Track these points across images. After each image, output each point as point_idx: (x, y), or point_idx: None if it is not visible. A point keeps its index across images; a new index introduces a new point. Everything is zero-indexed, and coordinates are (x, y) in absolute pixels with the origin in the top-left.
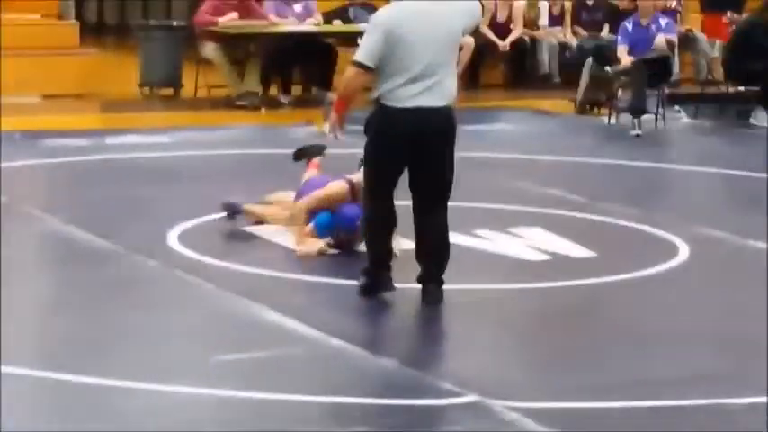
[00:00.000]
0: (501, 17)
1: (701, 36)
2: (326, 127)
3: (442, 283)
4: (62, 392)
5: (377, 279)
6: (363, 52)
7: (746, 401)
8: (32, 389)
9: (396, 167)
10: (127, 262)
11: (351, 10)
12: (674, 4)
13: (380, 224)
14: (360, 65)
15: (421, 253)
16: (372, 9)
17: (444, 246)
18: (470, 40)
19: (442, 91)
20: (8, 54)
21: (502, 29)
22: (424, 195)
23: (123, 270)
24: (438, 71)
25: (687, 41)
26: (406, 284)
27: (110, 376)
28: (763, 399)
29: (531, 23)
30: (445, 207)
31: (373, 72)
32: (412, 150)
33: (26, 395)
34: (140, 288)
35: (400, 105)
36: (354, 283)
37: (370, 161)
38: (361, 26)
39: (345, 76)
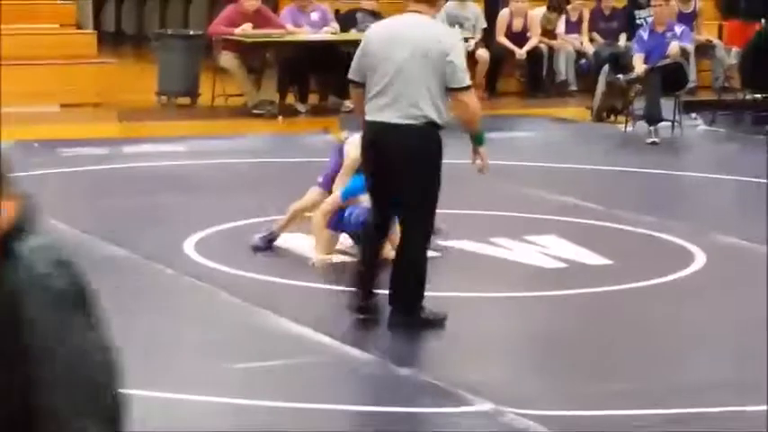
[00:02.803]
0: (517, 26)
1: (719, 43)
2: (344, 135)
3: (401, 310)
4: None
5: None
6: (351, 66)
7: (764, 409)
8: None
9: (371, 178)
10: (144, 270)
11: (358, 15)
12: (690, 9)
13: (370, 233)
14: (349, 80)
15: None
16: (379, 16)
17: (400, 273)
18: (485, 54)
19: (401, 108)
20: (27, 63)
21: (518, 37)
22: (392, 213)
23: (140, 279)
24: (403, 89)
25: (704, 49)
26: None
27: (126, 385)
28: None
29: (547, 32)
30: (412, 228)
31: (362, 86)
32: (374, 164)
33: None
34: (157, 296)
35: (368, 118)
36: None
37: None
38: None
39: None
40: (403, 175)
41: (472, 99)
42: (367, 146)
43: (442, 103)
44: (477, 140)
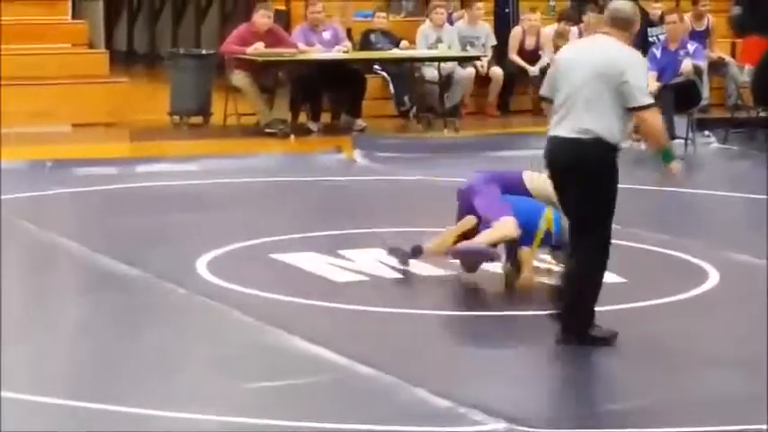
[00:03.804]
0: (529, 44)
1: (731, 61)
2: (356, 155)
3: (562, 320)
4: (92, 421)
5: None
6: (543, 84)
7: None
8: (62, 418)
9: (558, 193)
10: (156, 289)
11: (372, 36)
12: (703, 27)
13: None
14: (540, 96)
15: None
16: (393, 38)
17: (568, 285)
18: (499, 72)
19: (571, 125)
20: (39, 83)
21: (531, 55)
22: (571, 227)
23: (152, 297)
24: (575, 107)
25: (717, 66)
26: (435, 311)
27: (139, 404)
28: None
29: (560, 49)
30: (586, 244)
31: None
32: (553, 178)
33: (55, 424)
34: (169, 316)
35: (549, 133)
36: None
37: None
38: (391, 52)
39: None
40: (575, 189)
41: (652, 117)
42: (546, 160)
43: (618, 123)
44: (665, 157)
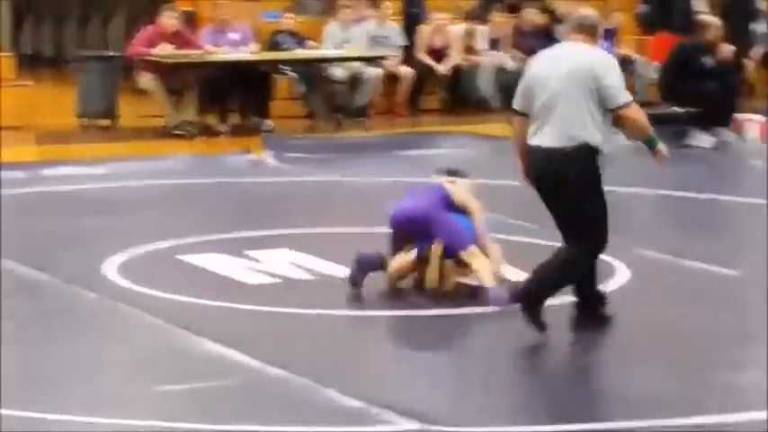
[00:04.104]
0: (437, 43)
1: (638, 58)
2: (265, 155)
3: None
4: (2, 426)
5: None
6: (515, 96)
7: (691, 422)
8: None
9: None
10: (65, 294)
11: (279, 37)
12: (611, 26)
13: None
14: (512, 109)
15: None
16: (300, 38)
17: (541, 276)
18: (408, 72)
19: (554, 132)
20: None
21: (439, 54)
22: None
23: (61, 302)
24: (557, 115)
25: (624, 64)
26: (346, 312)
27: (49, 409)
28: (707, 419)
29: (469, 48)
30: (582, 246)
31: (524, 115)
32: (538, 187)
33: None
34: (79, 320)
35: (530, 143)
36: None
37: None
38: (297, 52)
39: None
40: (561, 197)
41: (636, 112)
42: (532, 171)
43: (601, 126)
44: (651, 144)
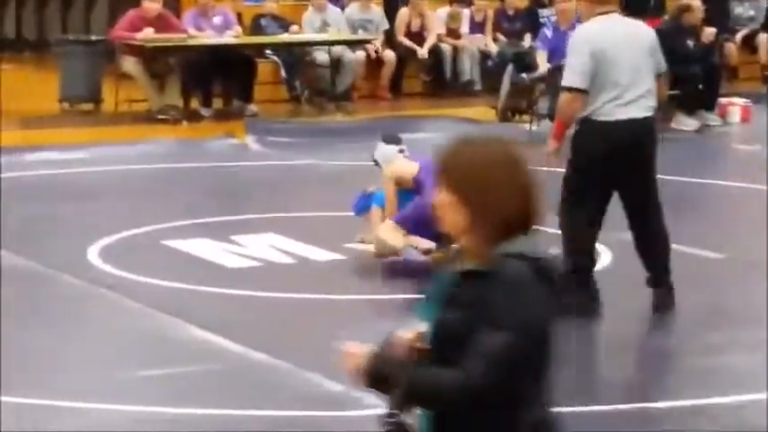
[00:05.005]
0: (415, 25)
1: None
2: (248, 140)
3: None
4: None
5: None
6: (574, 76)
7: (663, 405)
8: None
9: (606, 180)
10: (48, 279)
11: (262, 21)
12: None
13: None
14: (577, 89)
15: (648, 261)
16: (283, 22)
17: (667, 249)
18: (391, 55)
19: (640, 102)
20: None
21: (418, 37)
22: (639, 204)
23: (44, 288)
24: (637, 83)
25: None
26: (328, 296)
27: (33, 395)
28: (677, 403)
29: (452, 31)
30: (657, 211)
31: (586, 93)
32: (624, 161)
33: None
34: (61, 305)
35: (615, 117)
36: (278, 294)
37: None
38: (278, 37)
39: (561, 102)
40: (645, 165)
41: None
42: (621, 143)
43: None
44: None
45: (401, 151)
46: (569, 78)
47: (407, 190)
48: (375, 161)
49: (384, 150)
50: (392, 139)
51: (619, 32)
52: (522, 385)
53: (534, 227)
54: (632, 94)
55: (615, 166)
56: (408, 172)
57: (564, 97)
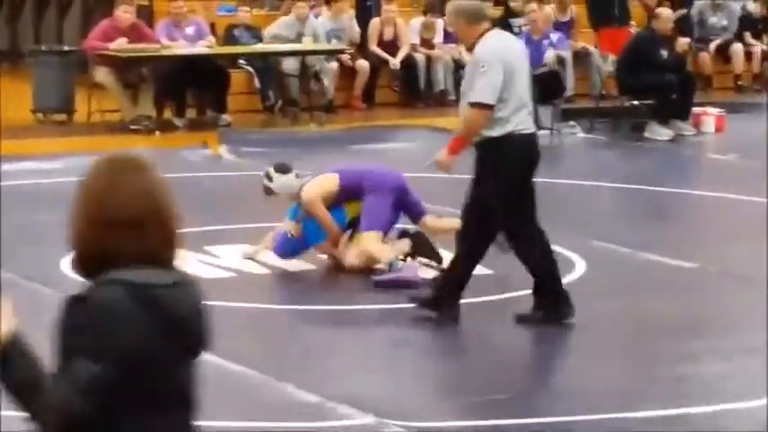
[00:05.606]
0: (387, 35)
1: (594, 51)
2: (222, 150)
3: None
4: None
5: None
6: (485, 92)
7: (641, 416)
8: None
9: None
10: (21, 290)
11: (236, 31)
12: (567, 18)
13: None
14: (487, 105)
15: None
16: (256, 32)
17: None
18: (365, 65)
19: (529, 117)
20: None
21: (391, 46)
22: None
23: (19, 299)
24: (526, 97)
25: (581, 56)
26: (303, 306)
27: (5, 408)
28: (652, 413)
29: (426, 41)
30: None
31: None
32: (530, 173)
33: None
34: (34, 316)
35: (528, 130)
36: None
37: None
38: (252, 47)
39: (467, 118)
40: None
41: None
42: (532, 155)
43: None
44: None
45: (297, 176)
46: (483, 95)
47: (334, 204)
48: (268, 191)
49: (283, 181)
50: (284, 168)
51: (514, 50)
52: (121, 415)
53: (167, 258)
54: (524, 108)
55: (531, 176)
56: (331, 185)
57: (479, 113)
